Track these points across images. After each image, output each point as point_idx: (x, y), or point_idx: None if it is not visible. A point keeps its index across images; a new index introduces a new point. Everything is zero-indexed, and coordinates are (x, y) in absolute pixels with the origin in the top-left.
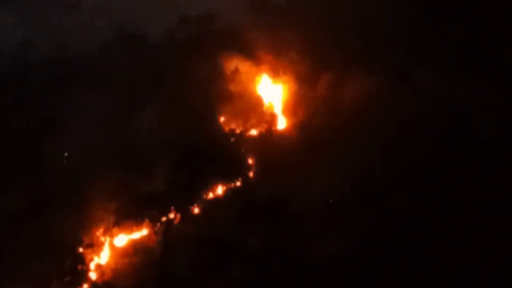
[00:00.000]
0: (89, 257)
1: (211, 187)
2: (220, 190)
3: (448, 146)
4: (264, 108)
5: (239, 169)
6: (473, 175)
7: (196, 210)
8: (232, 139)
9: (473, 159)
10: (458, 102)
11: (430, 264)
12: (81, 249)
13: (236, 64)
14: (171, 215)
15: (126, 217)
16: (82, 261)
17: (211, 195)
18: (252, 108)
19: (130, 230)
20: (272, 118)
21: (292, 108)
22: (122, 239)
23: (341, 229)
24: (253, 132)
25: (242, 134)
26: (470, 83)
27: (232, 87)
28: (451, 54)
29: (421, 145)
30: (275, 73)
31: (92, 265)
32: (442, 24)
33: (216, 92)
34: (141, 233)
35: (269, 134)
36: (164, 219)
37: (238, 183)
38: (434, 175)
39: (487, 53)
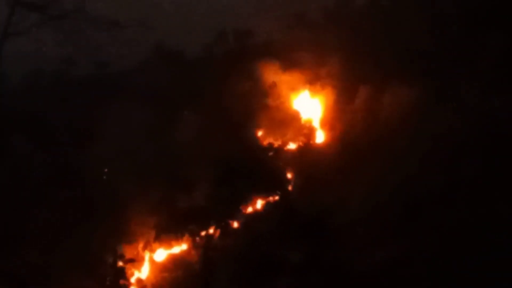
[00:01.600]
0: (129, 272)
1: (251, 201)
2: (259, 204)
3: (489, 159)
4: (302, 122)
5: (278, 183)
6: None
7: (236, 225)
8: (271, 153)
9: None
10: (499, 114)
11: (473, 277)
12: (121, 264)
13: (274, 78)
14: (211, 230)
15: (166, 232)
16: (123, 275)
17: (250, 209)
18: (290, 121)
19: (170, 245)
20: (310, 131)
21: (330, 122)
22: (162, 254)
23: (383, 242)
24: (292, 145)
25: (280, 148)
26: (510, 96)
27: (270, 101)
28: (492, 67)
29: (462, 158)
30: (312, 87)
31: (133, 280)
32: (483, 36)
33: (254, 106)
34: (181, 247)
35: (307, 148)
36: (203, 233)
37: (277, 197)
38: (475, 188)
39: None
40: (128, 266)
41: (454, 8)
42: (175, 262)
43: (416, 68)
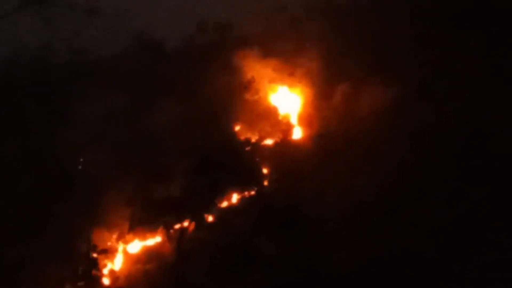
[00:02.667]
0: (102, 262)
1: (226, 195)
2: (235, 198)
3: (465, 156)
4: (280, 118)
5: (254, 178)
6: (491, 186)
7: (211, 218)
8: (248, 148)
9: (491, 170)
10: (476, 113)
11: (449, 272)
12: (95, 255)
13: (253, 73)
14: (186, 223)
15: (140, 224)
16: (96, 266)
17: (226, 203)
18: (268, 117)
19: (144, 237)
20: (288, 127)
21: (308, 118)
22: (136, 246)
23: (356, 237)
24: (269, 141)
25: (257, 143)
26: (489, 95)
27: (248, 96)
28: (470, 66)
29: (438, 155)
30: (291, 83)
31: (105, 271)
32: (462, 36)
33: (232, 101)
34: (155, 239)
35: (284, 144)
36: (178, 226)
37: (253, 192)
38: (451, 185)
39: (507, 65)
40: (101, 256)
41: (434, 7)
42: (149, 254)
43: (395, 66)
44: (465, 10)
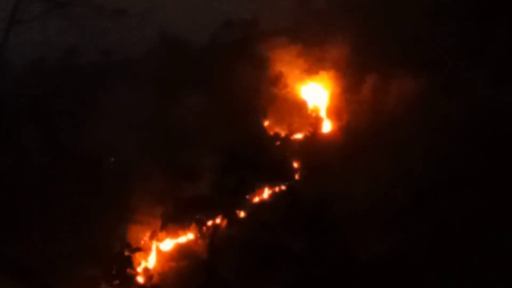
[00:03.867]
0: (136, 261)
1: (257, 190)
2: (266, 193)
3: (495, 150)
4: (309, 112)
5: (285, 173)
6: None
7: (243, 214)
8: (277, 143)
9: None
10: (505, 106)
11: (476, 268)
12: (128, 253)
13: (280, 68)
14: (218, 219)
15: (172, 221)
16: (129, 265)
17: (257, 199)
18: (297, 111)
19: (176, 235)
20: (317, 121)
21: (337, 112)
22: (168, 243)
23: (386, 232)
24: (298, 135)
25: (287, 137)
26: None
27: (277, 91)
28: (500, 58)
29: (467, 149)
30: (319, 77)
31: (139, 269)
32: (491, 28)
33: (261, 96)
34: (188, 237)
35: (314, 138)
36: (210, 223)
37: (284, 187)
38: (481, 179)
39: None
40: (134, 255)
41: None
42: (182, 252)
43: (423, 58)
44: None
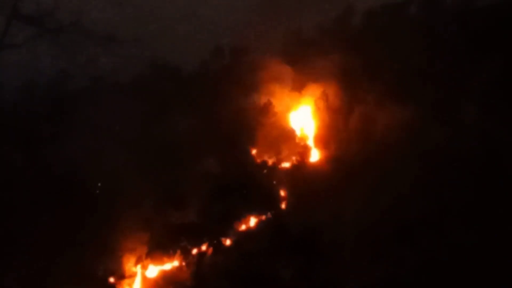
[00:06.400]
0: (120, 287)
1: (244, 218)
2: (252, 222)
3: (483, 180)
4: (297, 140)
5: (272, 201)
6: (509, 210)
7: (229, 242)
8: (265, 171)
9: (508, 194)
10: (493, 136)
11: None
12: (112, 280)
13: (269, 96)
14: (204, 247)
15: (158, 248)
16: None
17: (243, 227)
18: (285, 140)
19: (162, 261)
20: (305, 150)
21: (325, 140)
22: (154, 270)
23: (374, 261)
24: (286, 164)
25: (274, 166)
26: (506, 117)
27: (265, 119)
28: (487, 88)
29: (455, 179)
30: (308, 105)
31: None
32: (479, 57)
33: (249, 124)
34: (173, 264)
35: (301, 166)
36: (196, 250)
37: (271, 215)
38: (468, 210)
39: None
40: (119, 282)
41: (450, 27)
42: (167, 279)
43: (412, 88)
44: (483, 31)
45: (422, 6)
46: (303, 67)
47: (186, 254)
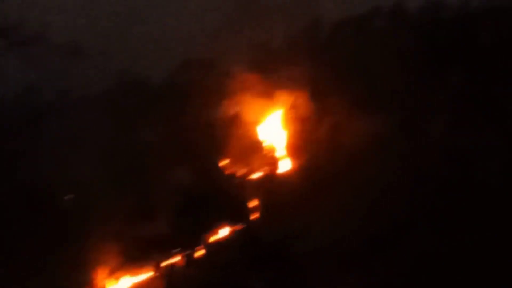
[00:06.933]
0: None
1: (214, 230)
2: (223, 233)
3: (449, 190)
4: (267, 151)
5: (242, 212)
6: (476, 219)
7: (200, 253)
8: (235, 182)
9: (476, 205)
10: (460, 148)
11: None
12: None
13: (238, 107)
14: (175, 258)
15: (130, 261)
16: None
17: (214, 238)
18: (255, 150)
19: (134, 274)
20: (275, 160)
21: (295, 151)
22: (125, 282)
23: (345, 272)
24: (256, 174)
25: (244, 176)
26: (473, 130)
27: (234, 130)
28: (454, 100)
29: (423, 189)
30: (277, 116)
31: None
32: (445, 70)
33: (218, 135)
34: (145, 276)
35: (271, 177)
36: (168, 262)
37: (241, 226)
38: (436, 219)
39: (490, 100)
40: None
41: (417, 41)
42: None
43: (381, 100)
44: (449, 43)
45: (388, 18)
46: (272, 77)
47: (157, 266)
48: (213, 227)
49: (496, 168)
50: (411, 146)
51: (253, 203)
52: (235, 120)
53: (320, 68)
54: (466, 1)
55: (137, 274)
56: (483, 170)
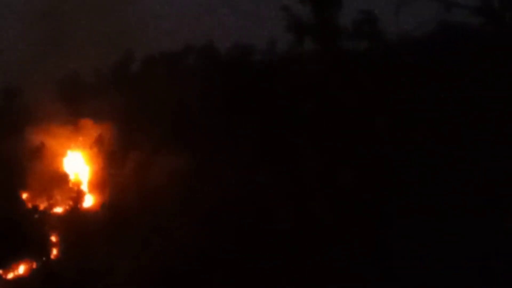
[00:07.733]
0: None
1: (13, 266)
2: (22, 269)
3: (245, 231)
4: (71, 185)
5: (43, 247)
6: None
7: None
8: (36, 216)
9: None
10: (255, 190)
11: None
12: None
13: (42, 139)
14: None
15: None
16: None
17: (11, 275)
18: (58, 184)
19: None
20: (79, 195)
21: (99, 186)
22: None
23: None
24: (58, 209)
25: (46, 210)
26: (270, 172)
27: (37, 162)
28: (252, 147)
29: (222, 226)
30: (82, 150)
31: None
32: (245, 112)
33: (19, 167)
34: None
35: (74, 211)
36: None
37: (41, 262)
38: (232, 259)
39: (286, 143)
40: None
41: (223, 83)
42: None
43: (185, 137)
44: (249, 87)
45: (199, 57)
46: (79, 110)
47: None
48: (12, 263)
49: (288, 213)
50: (216, 185)
51: (55, 238)
52: (38, 152)
53: (128, 102)
54: (273, 46)
55: None
56: (276, 214)
